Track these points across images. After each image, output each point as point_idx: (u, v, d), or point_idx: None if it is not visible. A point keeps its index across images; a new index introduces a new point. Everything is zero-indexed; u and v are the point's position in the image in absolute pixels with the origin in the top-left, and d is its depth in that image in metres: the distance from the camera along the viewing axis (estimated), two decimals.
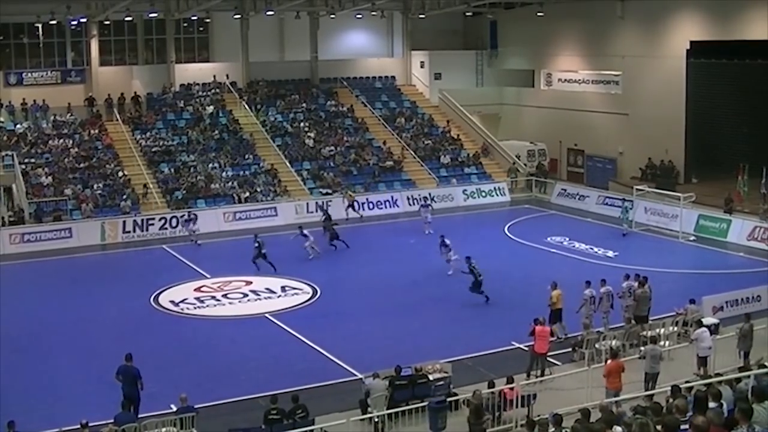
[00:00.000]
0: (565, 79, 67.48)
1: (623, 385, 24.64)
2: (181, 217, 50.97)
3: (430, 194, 56.64)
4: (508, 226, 51.61)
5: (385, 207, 57.09)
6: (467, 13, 71.36)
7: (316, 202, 52.59)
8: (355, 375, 28.15)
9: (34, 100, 60.78)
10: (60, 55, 64.54)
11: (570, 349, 29.53)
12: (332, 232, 46.70)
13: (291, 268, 42.64)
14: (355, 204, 54.42)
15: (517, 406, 24.01)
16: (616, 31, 62.25)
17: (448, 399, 24.48)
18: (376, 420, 23.74)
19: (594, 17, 63.08)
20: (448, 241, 40.94)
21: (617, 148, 61.98)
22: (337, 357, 30.44)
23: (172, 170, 57.39)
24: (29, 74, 62.47)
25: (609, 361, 25.17)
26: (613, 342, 29.00)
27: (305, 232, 44.45)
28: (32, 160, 55.85)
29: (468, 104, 69.69)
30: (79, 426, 22.50)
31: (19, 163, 54.58)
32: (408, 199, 57.60)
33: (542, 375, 27.49)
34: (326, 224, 47.60)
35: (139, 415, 24.18)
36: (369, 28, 73.67)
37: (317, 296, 38.64)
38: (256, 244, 42.26)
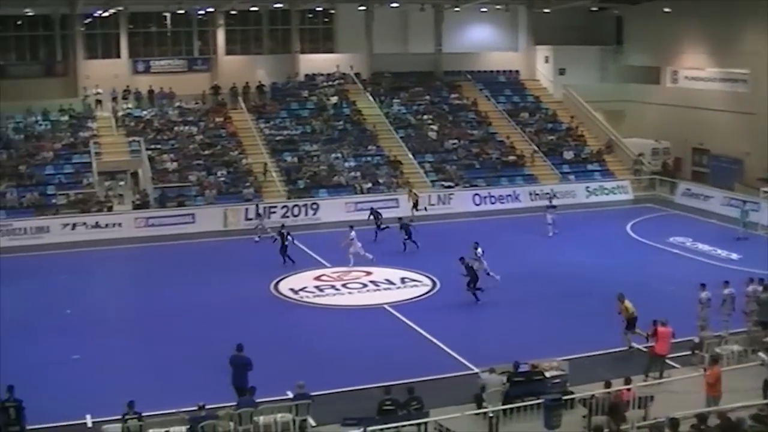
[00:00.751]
0: (692, 77, 66.31)
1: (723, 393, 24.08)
2: (255, 210, 50.78)
3: (552, 190, 56.16)
4: (631, 225, 51.02)
5: (507, 201, 57.06)
6: (592, 8, 70.65)
7: (371, 208, 50.00)
8: (471, 369, 28.10)
9: (161, 88, 62.17)
10: (187, 44, 66.03)
11: (689, 352, 29.05)
12: (407, 230, 45.35)
13: (411, 260, 42.98)
14: (419, 203, 53.17)
15: (633, 408, 23.75)
16: (744, 29, 60.75)
17: (564, 397, 24.31)
18: (491, 415, 23.67)
19: (721, 14, 61.48)
20: (480, 250, 38.67)
21: (744, 148, 60.56)
22: (454, 350, 30.46)
23: (296, 159, 57.99)
24: (156, 62, 64.07)
25: (711, 369, 24.35)
26: (735, 346, 28.49)
27: (353, 234, 42.31)
28: (158, 146, 57.25)
29: (592, 100, 68.87)
30: (196, 407, 22.95)
31: (146, 149, 55.91)
32: (530, 194, 57.44)
33: (660, 377, 27.14)
34: (400, 222, 46.08)
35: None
36: (493, 22, 73.40)
37: (436, 289, 38.75)
38: (278, 237, 42.78)
